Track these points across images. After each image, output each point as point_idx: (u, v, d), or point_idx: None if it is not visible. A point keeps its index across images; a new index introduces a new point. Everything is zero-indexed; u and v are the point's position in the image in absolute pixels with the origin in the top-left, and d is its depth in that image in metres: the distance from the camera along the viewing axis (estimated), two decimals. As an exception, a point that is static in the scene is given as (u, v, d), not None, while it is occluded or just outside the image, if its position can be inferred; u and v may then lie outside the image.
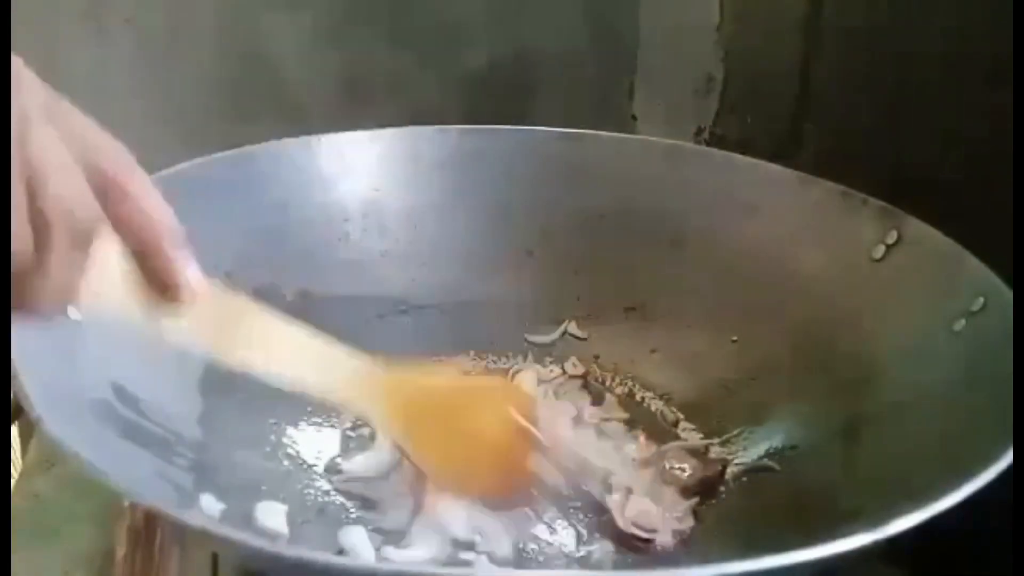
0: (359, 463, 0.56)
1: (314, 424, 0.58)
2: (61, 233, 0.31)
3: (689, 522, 0.53)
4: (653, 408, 0.62)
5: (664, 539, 0.51)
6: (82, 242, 0.33)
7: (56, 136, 0.31)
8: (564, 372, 0.65)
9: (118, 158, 0.33)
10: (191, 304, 0.36)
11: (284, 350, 0.39)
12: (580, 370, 0.65)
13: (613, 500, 0.52)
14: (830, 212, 0.60)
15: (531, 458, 0.48)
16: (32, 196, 0.30)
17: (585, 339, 0.66)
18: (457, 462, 0.46)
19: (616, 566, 0.49)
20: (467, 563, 0.47)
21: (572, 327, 0.66)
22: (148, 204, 0.35)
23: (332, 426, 0.58)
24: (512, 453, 0.48)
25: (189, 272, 0.36)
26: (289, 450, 0.56)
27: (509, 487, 0.48)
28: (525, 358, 0.66)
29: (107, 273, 0.34)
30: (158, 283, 0.36)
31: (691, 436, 0.60)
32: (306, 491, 0.54)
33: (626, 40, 0.89)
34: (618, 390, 0.64)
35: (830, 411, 0.55)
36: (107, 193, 0.33)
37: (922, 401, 0.49)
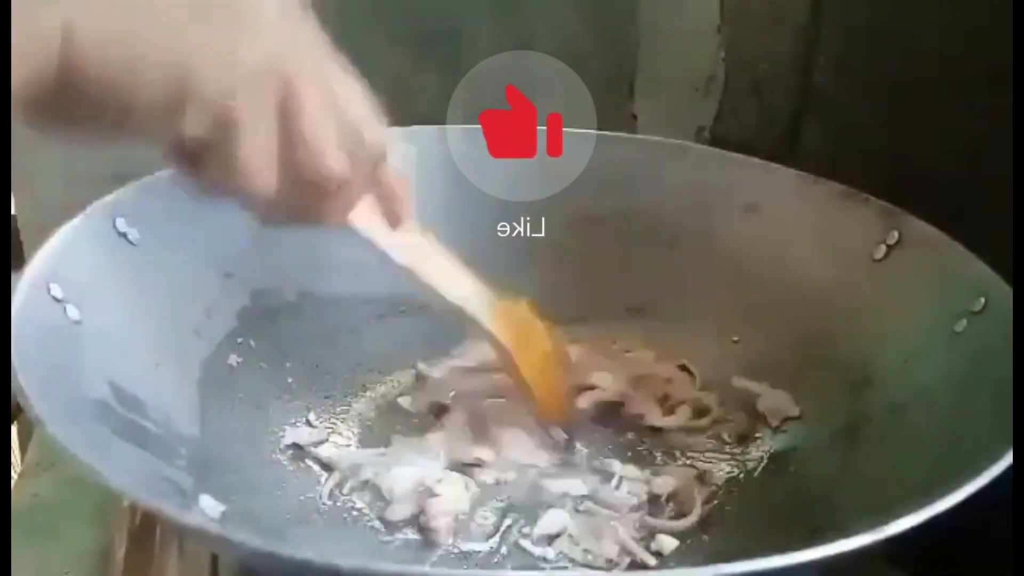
0: (359, 461, 0.56)
1: (314, 424, 0.58)
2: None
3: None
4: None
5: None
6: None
7: (322, 101, 0.38)
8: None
9: (371, 135, 0.41)
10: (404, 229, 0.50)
11: (447, 270, 0.53)
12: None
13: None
14: (830, 212, 0.60)
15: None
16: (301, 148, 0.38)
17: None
18: (545, 379, 0.57)
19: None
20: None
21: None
22: (392, 177, 0.47)
23: (332, 426, 0.58)
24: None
25: (407, 213, 0.49)
26: (289, 450, 0.56)
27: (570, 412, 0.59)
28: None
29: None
30: (388, 217, 0.49)
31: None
32: (306, 491, 0.54)
33: (626, 40, 0.89)
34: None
35: (830, 411, 0.55)
36: (361, 164, 0.41)
37: (922, 401, 0.49)
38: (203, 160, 0.37)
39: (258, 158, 0.37)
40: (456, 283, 0.53)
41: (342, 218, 0.44)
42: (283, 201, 0.39)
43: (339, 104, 0.40)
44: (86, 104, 0.33)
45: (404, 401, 0.61)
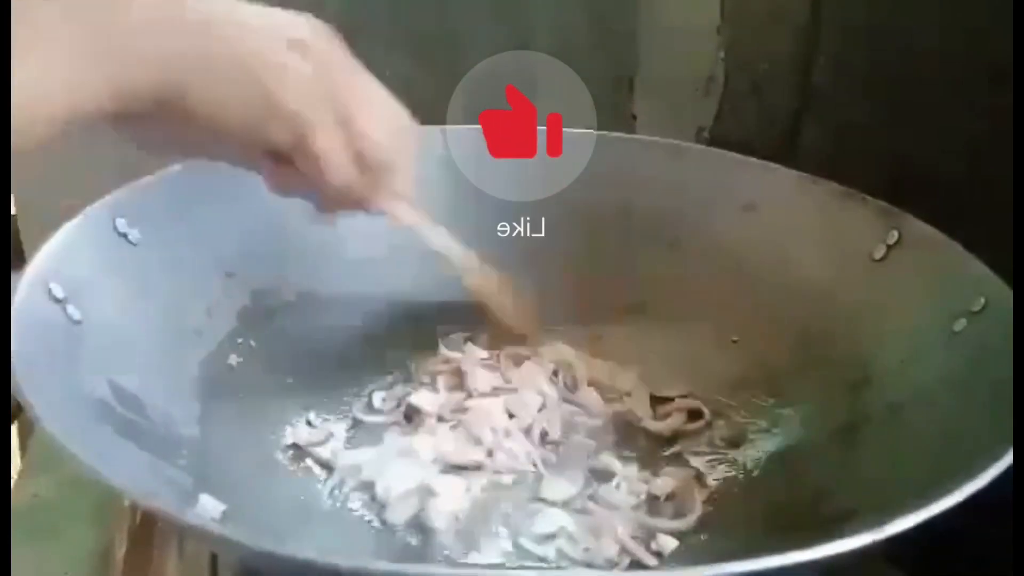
0: (359, 461, 0.56)
1: (314, 424, 0.58)
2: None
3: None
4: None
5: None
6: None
7: (368, 109, 0.49)
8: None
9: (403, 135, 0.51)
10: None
11: (445, 239, 0.59)
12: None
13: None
14: (830, 212, 0.60)
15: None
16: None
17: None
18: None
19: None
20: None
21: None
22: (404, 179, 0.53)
23: (332, 426, 0.58)
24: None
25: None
26: (289, 450, 0.56)
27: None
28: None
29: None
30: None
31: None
32: (306, 491, 0.54)
33: (626, 40, 0.89)
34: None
35: (830, 411, 0.55)
36: (403, 144, 0.51)
37: (922, 401, 0.49)
38: (289, 161, 0.47)
39: (332, 152, 0.47)
40: (455, 248, 0.60)
41: (384, 202, 0.52)
42: (351, 187, 0.49)
43: (377, 102, 0.49)
44: (187, 125, 0.43)
45: (403, 400, 0.61)
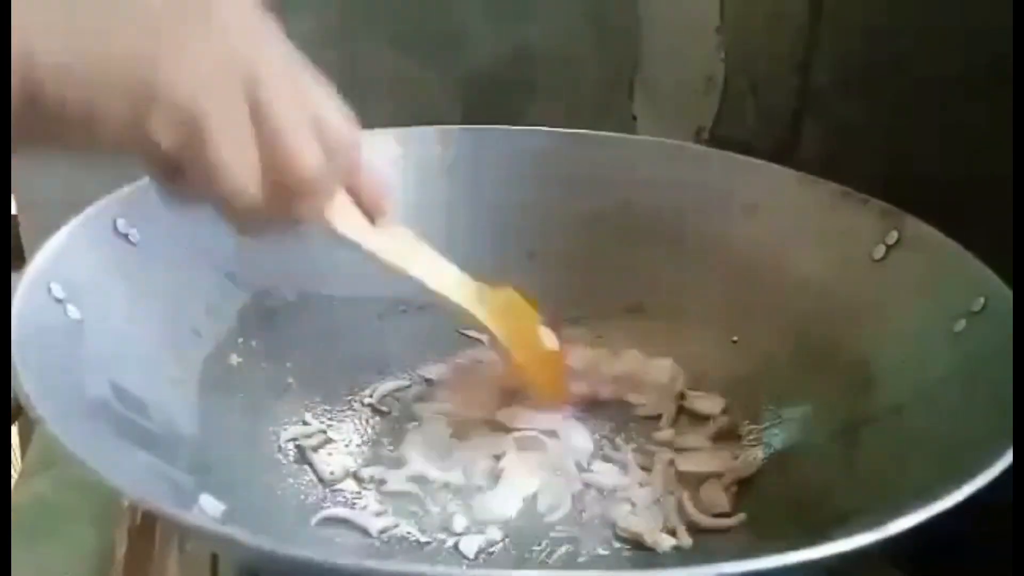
0: (359, 462, 0.56)
1: (313, 423, 0.58)
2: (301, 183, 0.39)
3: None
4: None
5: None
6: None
7: (291, 95, 0.37)
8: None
9: (343, 129, 0.40)
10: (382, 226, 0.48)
11: (430, 262, 0.52)
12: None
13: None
14: (830, 212, 0.60)
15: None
16: (271, 149, 0.37)
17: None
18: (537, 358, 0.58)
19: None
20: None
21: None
22: (368, 170, 0.45)
23: (331, 426, 0.58)
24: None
25: (386, 208, 0.47)
26: (289, 450, 0.56)
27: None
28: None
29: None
30: (367, 212, 0.47)
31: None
32: (306, 490, 0.54)
33: (626, 40, 0.89)
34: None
35: (830, 411, 0.55)
36: (336, 158, 0.40)
37: (922, 401, 0.49)
38: (180, 169, 0.36)
39: (235, 159, 0.36)
40: (439, 274, 0.52)
41: (319, 216, 0.43)
42: (263, 203, 0.38)
43: (307, 99, 0.39)
44: (52, 125, 0.33)
45: (403, 401, 0.61)
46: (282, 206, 0.39)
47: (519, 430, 0.56)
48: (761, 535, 0.50)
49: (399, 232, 0.50)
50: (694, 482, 0.55)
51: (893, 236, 0.56)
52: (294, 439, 0.56)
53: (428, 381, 0.62)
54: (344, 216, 0.45)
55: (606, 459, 0.56)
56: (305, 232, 0.43)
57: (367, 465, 0.55)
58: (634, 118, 0.90)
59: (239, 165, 0.36)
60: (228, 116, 0.35)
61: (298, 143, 0.38)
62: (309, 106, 0.39)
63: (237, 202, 0.37)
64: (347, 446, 0.57)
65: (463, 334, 0.65)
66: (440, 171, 0.66)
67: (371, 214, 0.47)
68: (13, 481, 0.62)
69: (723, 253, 0.64)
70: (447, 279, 0.53)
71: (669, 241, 0.66)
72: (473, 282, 0.54)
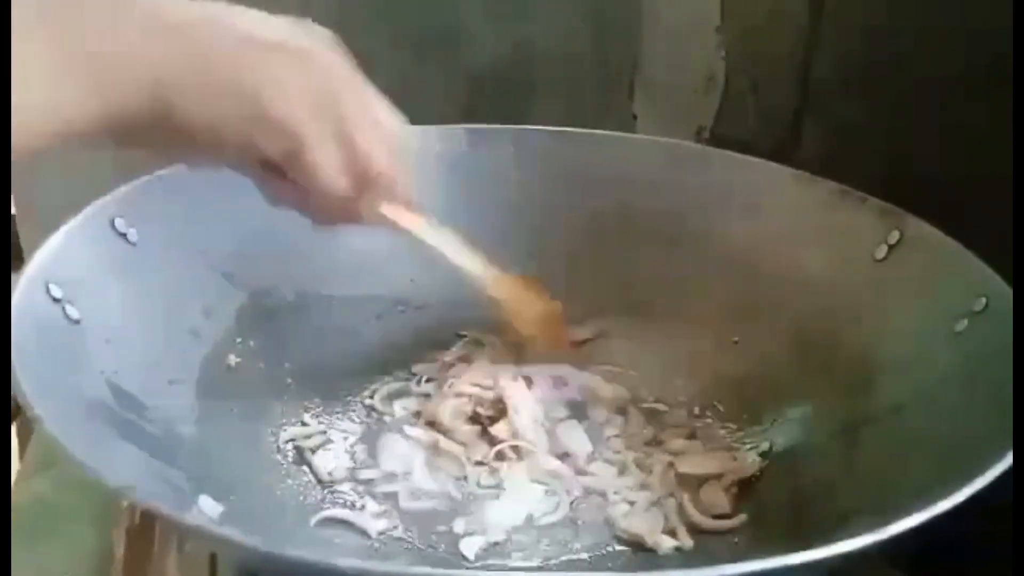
0: (358, 462, 0.56)
1: (312, 423, 0.58)
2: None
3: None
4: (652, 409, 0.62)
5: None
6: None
7: (363, 109, 0.47)
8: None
9: (401, 135, 0.50)
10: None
11: (454, 244, 0.58)
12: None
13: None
14: (831, 212, 0.60)
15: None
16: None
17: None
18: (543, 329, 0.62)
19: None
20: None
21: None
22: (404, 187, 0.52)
23: (330, 426, 0.58)
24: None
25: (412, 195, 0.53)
26: (288, 450, 0.56)
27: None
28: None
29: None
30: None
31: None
32: (305, 491, 0.54)
33: (626, 39, 0.89)
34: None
35: (830, 411, 0.55)
36: (398, 158, 0.49)
37: (922, 401, 0.49)
38: (281, 170, 0.46)
39: (326, 160, 0.46)
40: (463, 254, 0.58)
41: (386, 209, 0.52)
42: (345, 200, 0.48)
43: (374, 111, 0.48)
44: (182, 138, 0.42)
45: (402, 401, 0.61)
46: (362, 199, 0.49)
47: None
48: (762, 536, 0.50)
49: (422, 217, 0.56)
50: (694, 483, 0.54)
51: (894, 236, 0.56)
52: (293, 439, 0.56)
53: (427, 381, 0.62)
54: (394, 208, 0.53)
55: (606, 461, 0.56)
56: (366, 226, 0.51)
57: (366, 466, 0.55)
58: (634, 117, 0.90)
59: (330, 164, 0.46)
60: (319, 128, 0.45)
61: (371, 146, 0.47)
62: (376, 117, 0.48)
63: (330, 191, 0.47)
64: (346, 447, 0.57)
65: (461, 335, 0.65)
66: (440, 171, 0.66)
67: (403, 202, 0.54)
68: (13, 481, 0.62)
69: (723, 253, 0.64)
70: (465, 254, 0.58)
71: (669, 240, 0.66)
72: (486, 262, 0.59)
